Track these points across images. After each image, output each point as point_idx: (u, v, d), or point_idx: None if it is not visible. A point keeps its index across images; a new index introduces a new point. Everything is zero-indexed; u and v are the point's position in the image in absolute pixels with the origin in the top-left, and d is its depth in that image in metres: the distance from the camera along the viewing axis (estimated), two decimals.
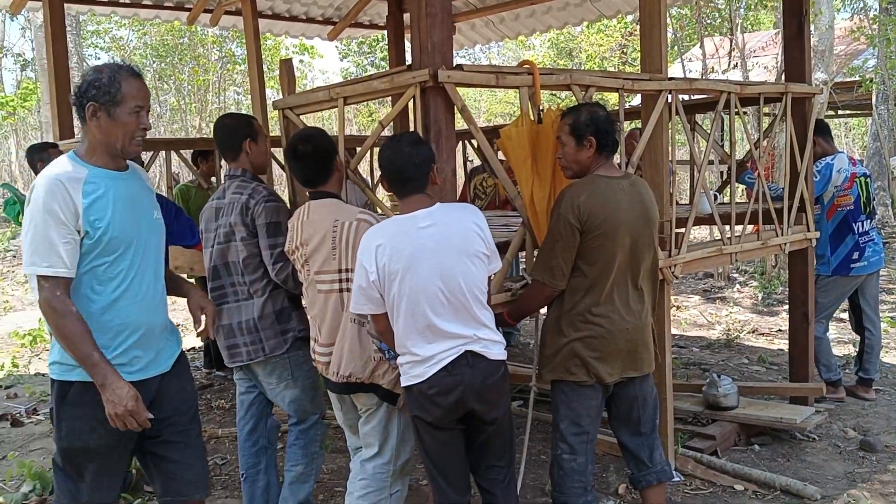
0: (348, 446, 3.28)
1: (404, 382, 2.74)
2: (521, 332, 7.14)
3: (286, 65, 3.76)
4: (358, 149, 3.45)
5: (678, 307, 8.46)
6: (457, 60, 3.04)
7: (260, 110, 4.85)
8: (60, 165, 2.41)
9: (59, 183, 2.34)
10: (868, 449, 4.33)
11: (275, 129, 4.12)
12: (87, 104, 2.40)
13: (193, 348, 7.67)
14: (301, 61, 24.01)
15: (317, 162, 3.03)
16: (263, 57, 17.70)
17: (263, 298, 3.23)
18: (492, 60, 28.60)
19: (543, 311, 3.26)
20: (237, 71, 21.03)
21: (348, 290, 2.89)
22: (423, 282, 2.61)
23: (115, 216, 2.42)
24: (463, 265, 2.62)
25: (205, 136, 15.57)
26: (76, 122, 3.18)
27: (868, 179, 5.13)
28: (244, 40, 5.03)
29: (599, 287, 2.98)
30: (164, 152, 5.97)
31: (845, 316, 5.74)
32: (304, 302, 3.16)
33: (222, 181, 3.51)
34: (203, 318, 2.83)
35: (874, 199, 5.25)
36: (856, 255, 4.99)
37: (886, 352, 6.24)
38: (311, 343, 3.09)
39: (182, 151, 6.01)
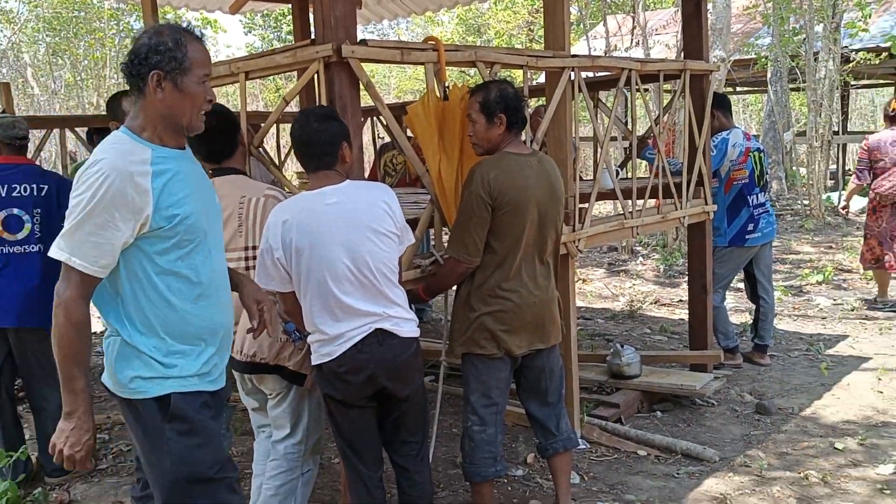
0: (252, 425, 3.24)
1: (314, 361, 2.72)
2: (433, 308, 7.18)
3: None
4: (263, 125, 3.37)
5: (584, 280, 8.67)
6: (364, 36, 3.01)
7: None
8: (121, 144, 2.06)
9: (125, 168, 1.99)
10: (763, 412, 4.54)
11: None
12: (151, 73, 2.06)
13: (95, 332, 7.41)
14: (202, 34, 23.26)
15: (220, 135, 2.95)
16: None
17: None
18: (401, 36, 28.40)
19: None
20: None
21: (254, 267, 2.84)
22: (329, 259, 2.59)
23: (189, 202, 2.11)
24: (370, 243, 2.61)
25: (102, 113, 14.97)
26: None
27: (762, 154, 5.35)
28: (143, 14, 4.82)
29: (508, 263, 3.04)
30: (58, 130, 5.74)
31: (742, 286, 5.99)
32: None
33: None
34: (259, 312, 2.44)
35: (767, 173, 5.48)
36: (751, 227, 5.20)
37: (780, 319, 6.56)
38: None
39: (77, 129, 5.77)
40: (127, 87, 2.16)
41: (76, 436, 2.03)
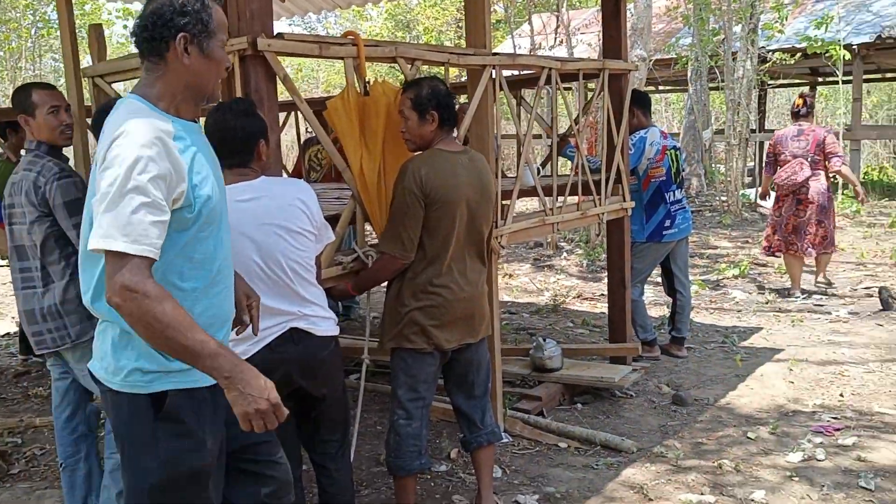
0: None
1: None
2: (360, 305, 7.15)
3: (95, 30, 3.54)
4: None
5: (510, 275, 8.76)
6: (290, 30, 2.97)
7: (73, 79, 4.53)
8: (146, 115, 1.82)
9: (161, 139, 1.77)
10: (679, 403, 4.67)
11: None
12: (178, 35, 1.86)
13: (8, 334, 7.15)
14: (125, 27, 22.59)
15: None
16: (82, 23, 16.58)
17: (65, 282, 3.04)
18: (329, 31, 28.16)
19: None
20: (53, 36, 19.58)
21: None
22: (239, 256, 2.54)
23: (209, 182, 1.91)
24: (283, 241, 2.58)
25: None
26: None
27: (677, 152, 5.49)
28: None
29: (440, 259, 3.05)
30: None
31: (660, 280, 6.14)
32: None
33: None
34: (248, 308, 2.29)
35: (683, 170, 5.64)
36: (668, 223, 5.34)
37: (697, 312, 6.75)
38: None
39: None
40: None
41: (255, 388, 1.77)
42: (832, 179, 7.38)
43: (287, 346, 2.62)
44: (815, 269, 7.44)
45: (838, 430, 4.16)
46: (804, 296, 7.07)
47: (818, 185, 6.84)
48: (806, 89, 16.74)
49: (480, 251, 3.23)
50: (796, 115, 7.04)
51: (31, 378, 5.71)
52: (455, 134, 3.60)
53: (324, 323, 2.69)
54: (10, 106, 3.32)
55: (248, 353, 2.60)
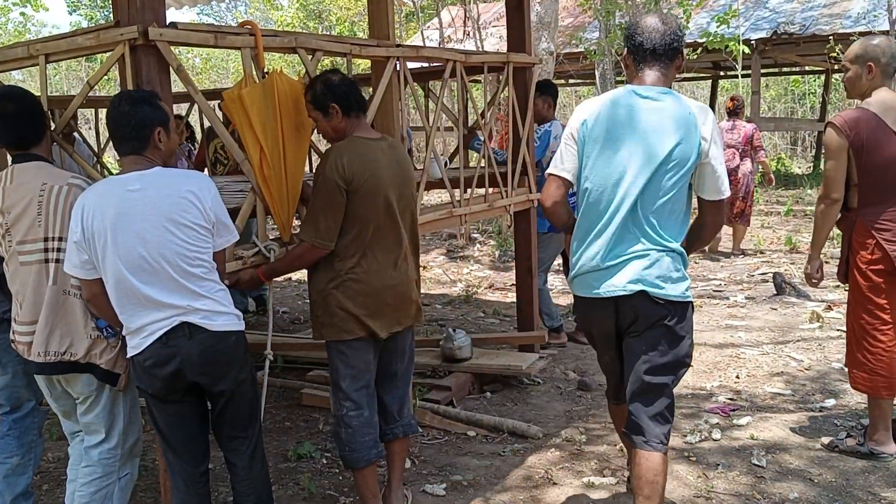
0: (64, 431, 3.08)
1: (128, 353, 2.63)
2: (267, 297, 7.05)
3: None
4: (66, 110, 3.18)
5: (424, 267, 8.79)
6: (199, 19, 2.90)
7: None
8: None
9: None
10: (584, 388, 4.79)
11: None
12: None
13: None
14: (23, 14, 21.59)
15: (26, 121, 2.77)
16: None
17: None
18: (238, 20, 27.54)
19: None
20: None
21: (57, 260, 2.69)
22: (124, 247, 2.49)
23: None
24: (168, 234, 2.51)
25: None
26: None
27: None
28: None
29: (366, 247, 3.03)
30: None
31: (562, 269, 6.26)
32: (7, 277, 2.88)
33: None
34: None
35: None
36: None
37: None
38: (12, 323, 2.83)
39: None
40: None
41: None
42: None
43: (180, 341, 2.56)
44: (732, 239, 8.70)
45: (734, 410, 4.35)
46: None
47: (745, 168, 8.34)
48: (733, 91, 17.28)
49: (409, 237, 3.20)
50: (730, 114, 8.51)
51: None
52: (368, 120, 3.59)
53: (219, 318, 2.62)
54: None
55: (140, 346, 2.56)
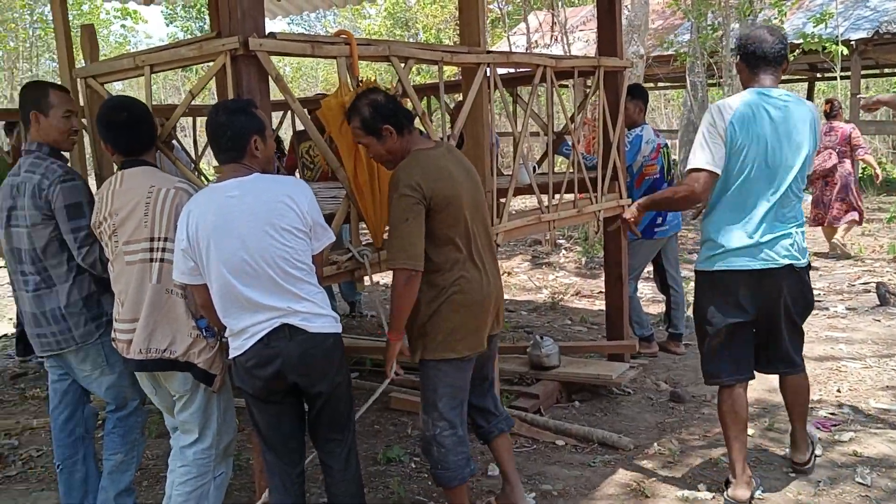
0: (167, 425, 3.18)
1: (230, 354, 2.70)
2: (362, 302, 7.15)
3: (87, 30, 3.53)
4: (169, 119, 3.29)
5: (508, 273, 8.75)
6: (288, 28, 2.97)
7: (69, 80, 4.54)
8: None
9: None
10: (677, 400, 4.67)
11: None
12: None
13: (6, 335, 7.15)
14: (123, 27, 22.58)
15: (137, 129, 2.91)
16: (79, 23, 16.52)
17: (69, 285, 3.05)
18: (328, 30, 28.15)
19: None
20: (51, 36, 19.60)
21: (161, 259, 2.79)
22: (227, 252, 2.56)
23: None
24: (268, 238, 2.57)
25: (16, 106, 14.40)
26: None
27: (668, 150, 5.52)
28: None
29: (463, 259, 2.96)
30: None
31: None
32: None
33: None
34: None
35: (673, 168, 5.66)
36: (659, 220, 5.34)
37: None
38: (114, 322, 2.94)
39: None
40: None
41: None
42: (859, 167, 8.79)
43: (280, 342, 2.61)
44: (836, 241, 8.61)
45: (835, 425, 4.16)
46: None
47: (843, 169, 8.41)
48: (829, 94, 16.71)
49: (489, 241, 3.13)
50: (827, 116, 8.56)
51: (28, 380, 5.72)
52: (445, 132, 3.59)
53: (318, 320, 2.66)
54: (11, 107, 3.31)
55: (242, 347, 2.62)
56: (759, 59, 3.24)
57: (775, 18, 12.01)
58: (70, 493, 3.33)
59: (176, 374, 2.88)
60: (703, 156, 3.20)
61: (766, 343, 3.43)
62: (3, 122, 6.07)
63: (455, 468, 3.04)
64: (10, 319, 7.39)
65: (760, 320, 3.35)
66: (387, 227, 3.34)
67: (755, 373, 3.43)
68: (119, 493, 3.27)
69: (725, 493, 3.37)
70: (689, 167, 3.24)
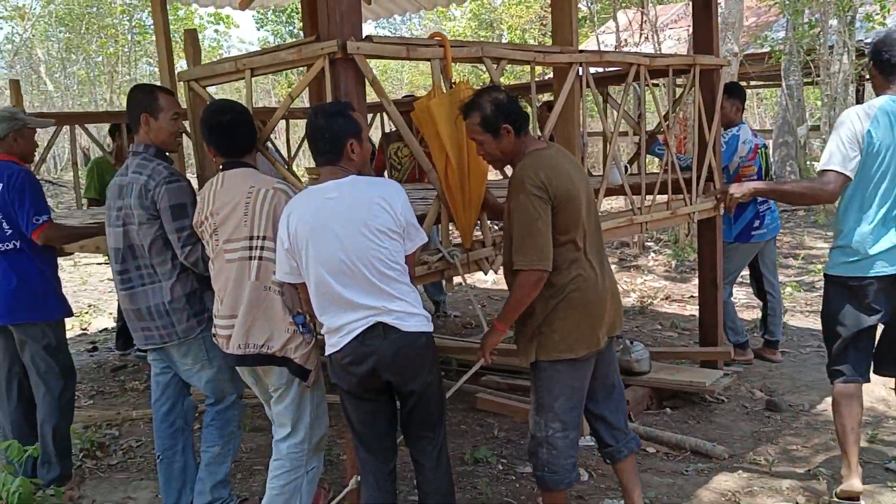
0: (268, 416, 3.23)
1: (326, 351, 2.74)
2: (446, 302, 7.18)
3: (190, 35, 3.65)
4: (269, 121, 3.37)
5: None
6: (374, 31, 3.00)
7: (169, 83, 4.70)
8: None
9: None
10: (773, 409, 4.52)
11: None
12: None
13: (106, 329, 7.47)
14: (216, 31, 23.30)
15: (239, 131, 2.99)
16: (176, 28, 17.14)
17: (172, 282, 3.17)
18: (413, 32, 28.40)
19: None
20: (149, 41, 20.38)
21: (259, 258, 2.87)
22: (325, 252, 2.61)
23: None
24: (364, 238, 2.61)
25: (115, 109, 15.02)
26: None
27: (767, 150, 5.33)
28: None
29: (581, 255, 2.91)
30: (68, 127, 5.78)
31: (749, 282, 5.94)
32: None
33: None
34: None
35: (772, 169, 5.46)
36: (756, 224, 5.17)
37: (792, 315, 6.52)
38: (213, 318, 3.04)
39: (88, 126, 5.82)
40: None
41: None
42: None
43: (375, 340, 2.65)
44: None
45: None
46: None
47: None
48: None
49: (601, 240, 3.07)
50: None
51: (128, 372, 5.95)
52: (535, 132, 3.55)
53: (411, 319, 2.69)
54: (111, 110, 3.45)
55: (338, 344, 2.67)
56: (893, 67, 3.25)
57: (877, 14, 11.49)
58: (169, 482, 3.44)
59: (273, 369, 2.95)
60: (838, 159, 3.24)
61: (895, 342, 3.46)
62: (108, 125, 6.35)
63: (563, 472, 2.99)
64: (111, 314, 7.71)
65: (892, 322, 3.39)
66: (480, 227, 3.35)
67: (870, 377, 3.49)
68: (215, 484, 3.37)
69: (837, 489, 3.37)
70: (823, 167, 3.29)
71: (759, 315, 5.67)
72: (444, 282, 3.55)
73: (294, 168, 6.93)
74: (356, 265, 2.61)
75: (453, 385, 4.57)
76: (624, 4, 13.54)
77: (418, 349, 2.71)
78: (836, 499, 3.33)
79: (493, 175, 3.71)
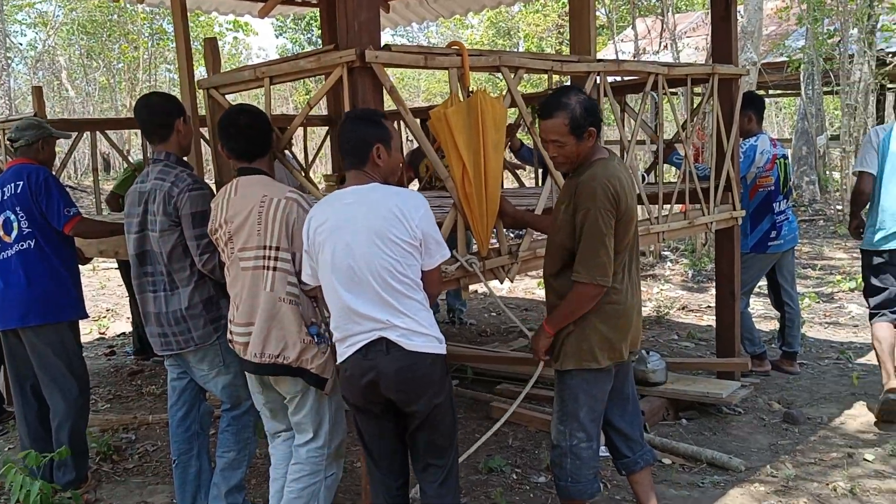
0: (265, 430, 3.24)
1: (337, 361, 2.74)
2: (465, 311, 7.17)
3: (210, 43, 3.68)
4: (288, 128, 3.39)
5: None
6: (392, 40, 3.02)
7: (189, 90, 4.73)
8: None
9: None
10: (791, 421, 4.47)
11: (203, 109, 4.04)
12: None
13: (123, 334, 7.51)
14: (235, 38, 23.45)
15: (255, 134, 2.99)
16: (196, 34, 17.27)
17: (190, 288, 3.18)
18: (430, 40, 28.48)
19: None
20: (169, 48, 20.57)
21: (273, 268, 2.87)
22: (336, 258, 2.59)
23: None
24: (374, 247, 2.56)
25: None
26: None
27: (786, 160, 5.29)
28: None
29: (621, 269, 2.87)
30: (89, 133, 5.83)
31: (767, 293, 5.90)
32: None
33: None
34: None
35: (791, 180, 5.43)
36: (773, 234, 5.13)
37: (810, 326, 6.46)
38: (229, 324, 3.04)
39: (109, 132, 5.86)
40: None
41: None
42: None
43: (377, 355, 2.59)
44: None
45: None
46: None
47: None
48: None
49: (638, 253, 3.03)
50: None
51: (145, 377, 5.98)
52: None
53: (417, 338, 2.60)
54: (132, 116, 3.48)
55: (343, 355, 2.66)
56: None
57: (895, 24, 11.41)
58: (184, 487, 3.46)
59: (287, 378, 2.94)
60: (866, 162, 4.53)
61: None
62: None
63: (586, 482, 2.96)
64: (128, 318, 7.76)
65: None
66: (496, 235, 3.34)
67: None
68: (230, 489, 3.37)
69: (883, 394, 4.31)
70: (857, 169, 4.57)
71: (777, 326, 5.63)
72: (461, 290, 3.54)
73: (311, 175, 6.97)
74: (364, 274, 2.56)
75: (466, 395, 4.54)
76: (643, 13, 13.51)
77: (422, 369, 2.61)
78: (889, 395, 4.26)
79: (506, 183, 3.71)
